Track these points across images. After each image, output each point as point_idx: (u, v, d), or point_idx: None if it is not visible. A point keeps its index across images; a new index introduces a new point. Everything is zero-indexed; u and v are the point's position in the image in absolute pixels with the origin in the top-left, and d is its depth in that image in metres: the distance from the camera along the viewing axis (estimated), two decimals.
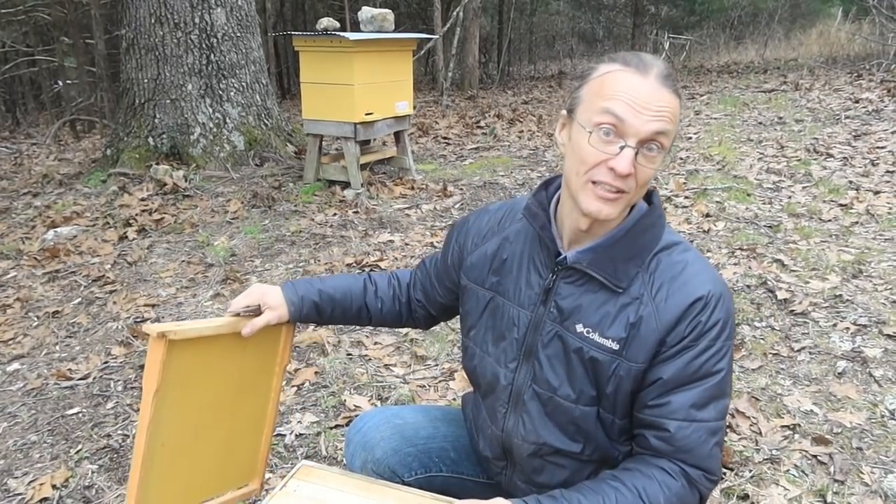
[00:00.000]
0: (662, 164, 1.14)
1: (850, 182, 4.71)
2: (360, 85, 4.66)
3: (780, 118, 7.03)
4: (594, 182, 1.05)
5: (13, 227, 4.65)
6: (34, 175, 6.16)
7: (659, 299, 1.09)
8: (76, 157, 7.17)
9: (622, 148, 1.01)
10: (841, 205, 4.29)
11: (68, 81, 10.97)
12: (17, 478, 2.21)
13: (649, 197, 1.17)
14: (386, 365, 2.78)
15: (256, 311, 1.32)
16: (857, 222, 3.99)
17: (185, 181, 5.09)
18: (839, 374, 2.52)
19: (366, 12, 4.95)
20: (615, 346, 1.10)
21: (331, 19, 4.75)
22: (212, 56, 5.43)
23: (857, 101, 7.44)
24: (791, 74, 10.12)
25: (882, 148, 5.48)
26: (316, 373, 2.73)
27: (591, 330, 1.12)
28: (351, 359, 2.83)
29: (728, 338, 1.10)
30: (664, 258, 1.12)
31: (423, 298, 1.45)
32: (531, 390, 1.19)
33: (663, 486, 1.06)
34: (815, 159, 5.37)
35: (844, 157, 5.35)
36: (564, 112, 1.13)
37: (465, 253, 1.33)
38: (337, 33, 4.58)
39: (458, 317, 1.41)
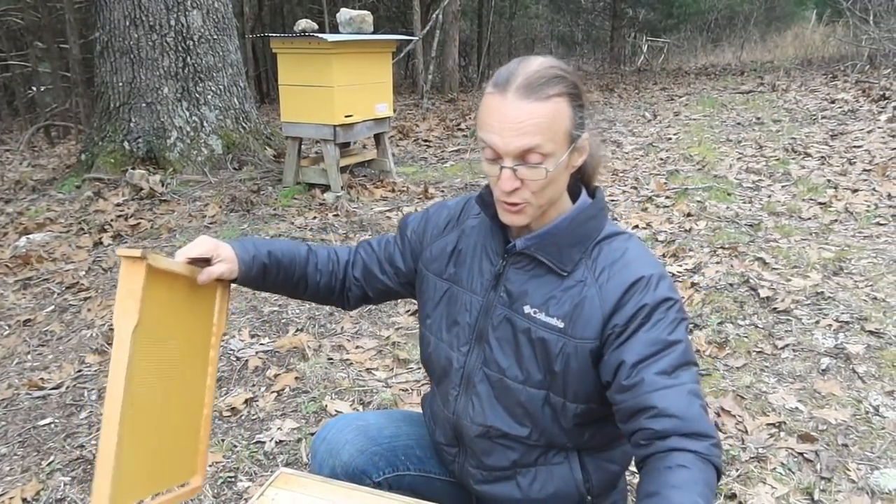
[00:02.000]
0: (579, 152, 1.15)
1: (829, 181, 4.74)
2: (339, 87, 4.61)
3: (759, 119, 7.09)
4: (500, 199, 1.14)
5: None
6: (6, 181, 6.04)
7: (601, 280, 1.15)
8: (50, 163, 7.05)
9: (501, 169, 1.09)
10: (820, 203, 4.31)
11: (43, 88, 10.80)
12: None
13: (594, 193, 1.25)
14: (368, 369, 2.74)
15: (207, 263, 1.23)
16: (836, 220, 4.01)
17: (162, 185, 5.01)
18: (823, 371, 2.51)
19: (344, 14, 4.91)
20: (560, 325, 1.16)
21: (309, 21, 4.70)
22: (188, 59, 5.36)
23: (832, 102, 7.52)
24: (768, 76, 10.23)
25: (859, 147, 5.53)
26: (296, 378, 2.68)
27: (537, 310, 1.18)
28: (332, 363, 2.78)
29: (678, 311, 1.13)
30: (605, 246, 1.18)
31: (363, 279, 1.44)
32: (481, 372, 1.24)
33: (692, 486, 1.00)
34: (793, 159, 5.40)
35: (822, 157, 5.39)
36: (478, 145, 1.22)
37: (425, 244, 1.37)
38: (315, 35, 4.54)
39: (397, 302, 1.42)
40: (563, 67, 1.13)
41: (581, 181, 1.25)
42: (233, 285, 1.33)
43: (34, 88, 11.05)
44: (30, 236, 4.31)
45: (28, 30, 10.39)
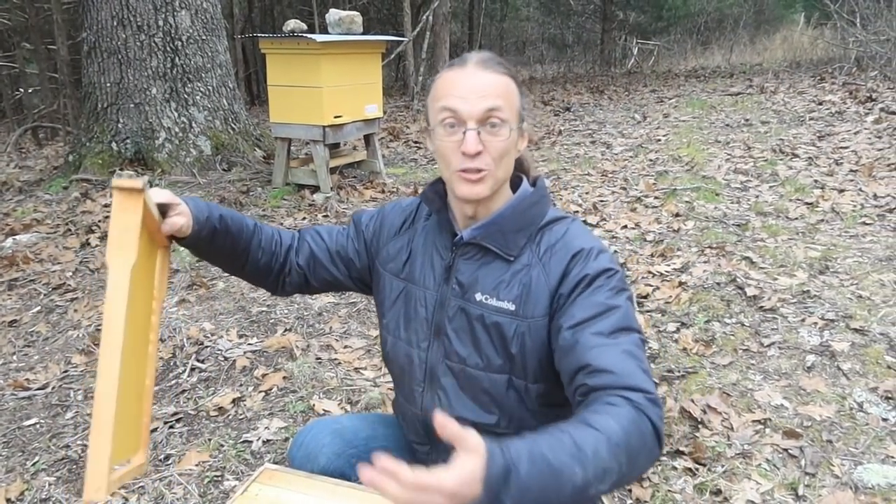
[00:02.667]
0: (523, 138, 1.23)
1: (816, 181, 4.77)
2: (328, 87, 4.61)
3: (747, 120, 7.13)
4: (460, 170, 1.15)
5: None
6: None
7: (545, 259, 1.19)
8: (38, 165, 7.01)
9: (465, 132, 1.13)
10: (807, 203, 4.34)
11: (31, 90, 10.74)
12: None
13: (535, 182, 1.28)
14: (356, 368, 2.74)
15: (163, 215, 1.12)
16: (822, 220, 4.03)
17: (150, 186, 4.98)
18: (808, 368, 2.53)
19: (333, 14, 4.91)
20: (511, 307, 1.18)
21: (298, 21, 4.70)
22: (177, 59, 5.34)
23: (820, 104, 7.57)
24: (757, 78, 10.29)
25: (845, 148, 5.57)
26: (284, 378, 2.67)
27: (488, 296, 1.20)
28: (320, 363, 2.78)
29: (619, 281, 1.15)
30: (548, 231, 1.22)
31: (307, 267, 1.40)
32: (444, 365, 1.26)
33: (612, 416, 0.97)
34: (781, 159, 5.44)
35: (809, 157, 5.43)
36: (425, 125, 1.24)
37: (381, 244, 1.38)
38: (304, 35, 4.53)
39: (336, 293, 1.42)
40: (506, 62, 1.23)
41: (521, 172, 1.29)
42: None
43: (21, 90, 10.98)
44: (16, 237, 4.29)
45: (15, 30, 10.33)
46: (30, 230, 4.43)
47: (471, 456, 0.83)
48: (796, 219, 4.10)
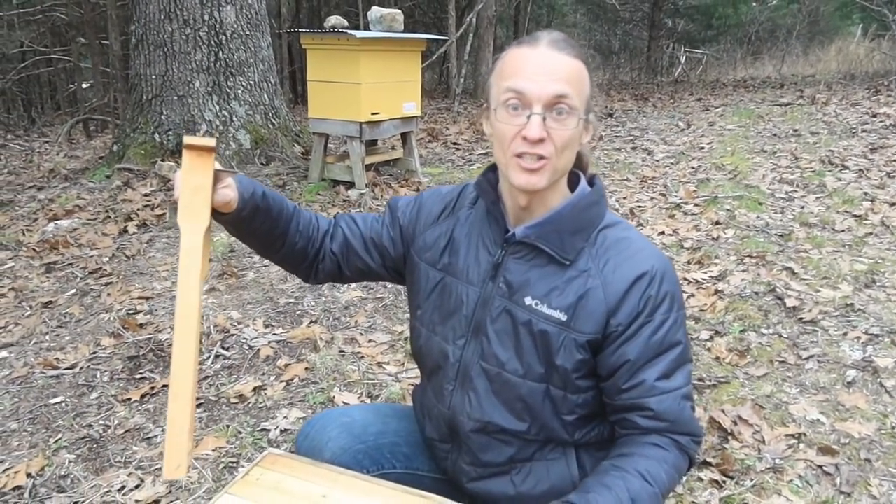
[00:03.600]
0: (593, 131, 1.16)
1: (866, 193, 4.59)
2: (366, 84, 4.61)
3: (796, 130, 6.92)
4: (518, 156, 1.08)
5: (15, 219, 4.63)
6: (42, 170, 6.16)
7: (606, 272, 1.12)
8: (85, 155, 7.18)
9: (529, 116, 1.06)
10: (855, 215, 4.17)
11: (85, 84, 11.04)
12: None
13: (592, 180, 1.21)
14: (379, 363, 2.71)
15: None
16: (871, 233, 3.87)
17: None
18: (848, 383, 2.41)
19: (375, 12, 4.91)
20: (563, 317, 1.12)
21: (339, 18, 4.72)
22: (220, 53, 5.42)
23: (874, 116, 7.30)
24: (808, 89, 10.00)
25: None
26: (306, 369, 2.66)
27: (539, 302, 1.14)
28: (343, 356, 2.76)
29: (679, 309, 1.14)
30: (609, 234, 1.15)
31: (341, 255, 1.35)
32: (479, 367, 1.20)
33: (661, 462, 1.10)
34: (829, 171, 5.25)
35: (860, 170, 5.23)
36: (484, 105, 1.17)
37: (417, 232, 1.31)
38: (344, 31, 4.54)
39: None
40: (580, 47, 1.15)
41: (578, 169, 1.21)
42: None
43: (75, 83, 11.30)
44: (58, 222, 4.38)
45: (71, 25, 10.64)
46: (71, 216, 4.53)
47: None
48: (843, 231, 3.94)
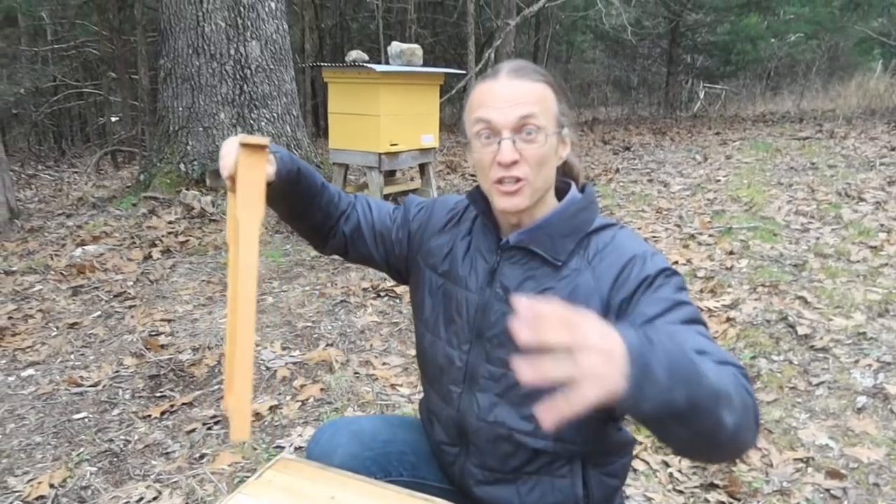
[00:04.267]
0: (564, 144, 1.21)
1: (882, 225, 4.59)
2: (385, 116, 4.74)
3: (813, 164, 6.94)
4: (498, 182, 1.14)
5: (45, 244, 4.78)
6: (70, 199, 6.35)
7: (595, 263, 1.16)
8: (113, 184, 7.38)
9: (499, 142, 1.12)
10: (871, 246, 4.18)
11: (114, 118, 11.38)
12: (17, 476, 2.22)
13: (583, 188, 1.26)
14: (392, 385, 2.76)
15: None
16: (886, 264, 3.87)
17: (213, 206, 5.19)
18: (859, 409, 2.42)
19: (395, 47, 5.06)
20: None
21: (360, 52, 4.87)
22: (245, 87, 5.59)
23: (893, 149, 7.31)
24: (827, 124, 10.02)
25: None
26: (321, 389, 2.71)
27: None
28: (358, 377, 2.81)
29: (679, 280, 1.12)
30: (596, 237, 1.20)
31: (350, 237, 1.41)
32: (485, 369, 1.23)
33: (719, 367, 0.92)
34: (846, 203, 5.26)
35: (877, 202, 5.23)
36: (463, 141, 1.24)
37: (425, 238, 1.36)
38: (365, 65, 4.69)
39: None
40: (543, 69, 1.21)
41: (569, 179, 1.28)
42: None
43: (105, 116, 11.65)
44: (85, 247, 4.52)
45: (103, 60, 11.01)
46: (98, 242, 4.67)
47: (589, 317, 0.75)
48: (858, 262, 3.94)
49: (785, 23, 14.60)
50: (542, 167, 1.15)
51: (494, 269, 1.24)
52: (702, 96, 14.89)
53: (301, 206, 1.34)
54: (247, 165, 1.05)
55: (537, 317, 0.73)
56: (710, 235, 4.56)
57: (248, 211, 1.03)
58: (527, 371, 0.75)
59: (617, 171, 7.28)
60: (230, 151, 1.12)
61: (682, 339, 0.96)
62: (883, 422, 2.34)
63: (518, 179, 1.13)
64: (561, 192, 1.26)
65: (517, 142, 1.12)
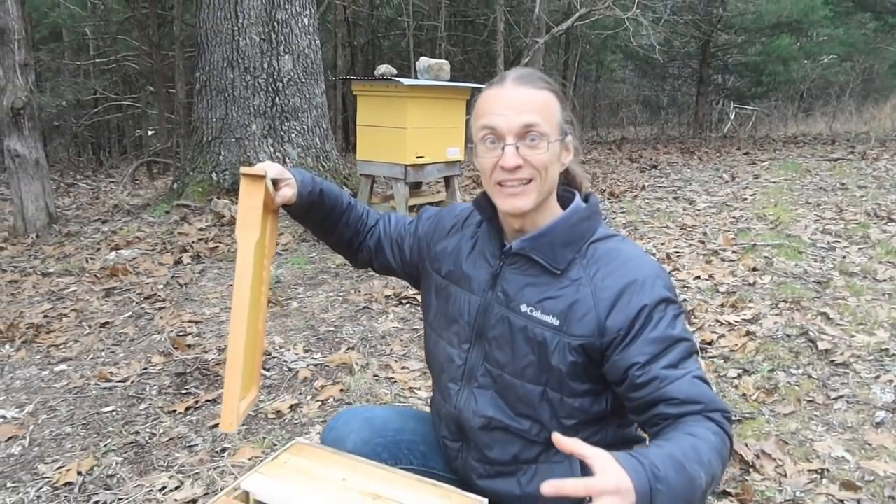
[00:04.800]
0: (567, 151, 1.27)
1: None
2: (412, 128, 4.82)
3: (843, 184, 6.87)
4: (499, 184, 1.20)
5: (80, 248, 4.94)
6: (106, 206, 6.55)
7: (596, 280, 1.20)
8: (147, 194, 7.58)
9: (503, 148, 1.18)
10: None
11: (151, 131, 11.70)
12: (47, 463, 2.31)
13: (587, 198, 1.31)
14: (410, 388, 2.80)
15: (275, 185, 1.31)
16: None
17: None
18: (877, 423, 2.40)
19: (423, 62, 5.16)
20: (556, 322, 1.21)
21: (388, 66, 4.97)
22: (277, 99, 5.74)
23: None
24: (860, 146, 9.90)
25: None
26: (341, 390, 2.77)
27: (533, 308, 1.23)
28: (377, 380, 2.87)
29: (675, 308, 1.19)
30: (601, 246, 1.24)
31: (374, 250, 1.52)
32: (483, 368, 1.30)
33: (707, 429, 1.09)
34: (874, 223, 5.20)
35: None
36: (470, 145, 1.30)
37: (432, 243, 1.44)
38: (393, 78, 4.79)
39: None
40: (548, 77, 1.26)
41: (573, 188, 1.32)
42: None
43: (142, 129, 11.98)
44: (119, 251, 4.66)
45: (142, 74, 11.33)
46: (131, 246, 4.81)
47: (607, 462, 0.92)
48: (884, 281, 3.90)
49: (818, 44, 14.47)
50: (546, 171, 1.20)
51: (497, 273, 1.29)
52: (732, 117, 14.80)
53: (328, 223, 1.47)
54: (247, 192, 1.16)
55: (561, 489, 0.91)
56: (734, 252, 4.54)
57: (245, 232, 1.16)
58: (550, 490, 0.91)
59: (643, 188, 7.28)
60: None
61: (687, 444, 1.03)
62: None
63: (528, 181, 1.19)
64: (565, 201, 1.30)
65: (521, 148, 1.17)
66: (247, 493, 1.28)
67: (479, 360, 1.31)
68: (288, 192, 1.31)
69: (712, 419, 1.10)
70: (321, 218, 1.44)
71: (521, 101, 1.18)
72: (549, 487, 0.91)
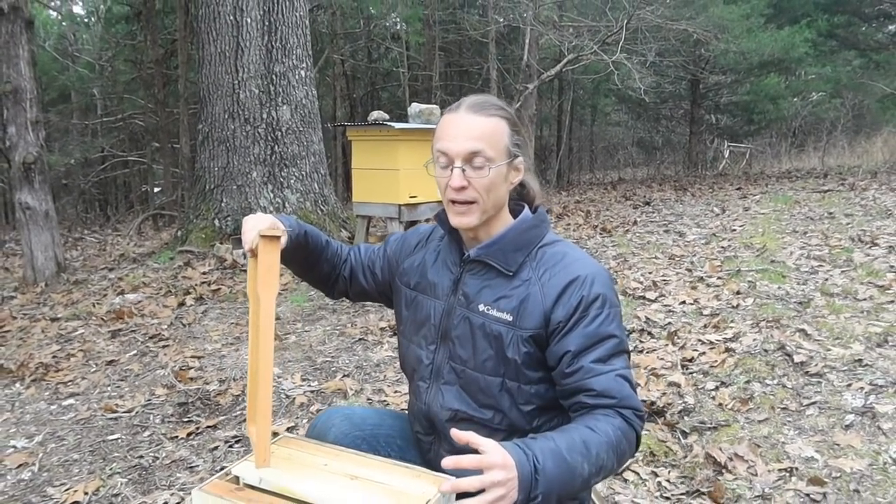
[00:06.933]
0: (517, 171, 1.42)
1: (892, 266, 4.66)
2: (404, 170, 5.03)
3: (831, 213, 7.03)
4: (451, 202, 1.36)
5: (88, 294, 5.11)
6: (113, 256, 6.74)
7: (544, 280, 1.35)
8: (153, 244, 7.79)
9: (451, 170, 1.32)
10: (878, 286, 4.25)
11: (156, 188, 12.00)
12: (55, 486, 2.43)
13: (537, 209, 1.47)
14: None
15: None
16: (893, 301, 3.95)
17: (244, 258, 5.49)
18: (846, 426, 2.51)
19: (415, 107, 5.41)
20: (509, 318, 1.36)
21: (381, 112, 5.21)
22: (276, 147, 5.99)
23: None
24: (851, 178, 10.10)
25: None
26: None
27: (490, 307, 1.38)
28: (370, 403, 2.99)
29: (612, 307, 1.34)
30: (548, 250, 1.40)
31: (349, 278, 1.66)
32: (448, 366, 1.44)
33: (609, 425, 1.26)
34: (858, 247, 5.34)
35: (890, 246, 5.30)
36: (430, 164, 1.46)
37: (400, 261, 1.60)
38: (385, 123, 5.02)
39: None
40: (502, 104, 1.42)
41: (525, 203, 1.49)
42: None
43: (148, 184, 12.29)
44: (125, 296, 4.83)
45: (147, 131, 11.69)
46: (137, 291, 4.98)
47: (496, 446, 1.13)
48: (864, 300, 4.03)
49: (805, 82, 14.84)
50: (490, 192, 1.34)
51: (458, 279, 1.45)
52: (727, 155, 15.07)
53: (310, 261, 1.61)
54: (265, 252, 1.30)
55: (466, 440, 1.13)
56: (719, 278, 4.68)
57: (266, 291, 1.29)
58: (450, 463, 1.12)
59: (635, 223, 7.45)
60: (251, 228, 1.38)
61: (579, 435, 1.22)
62: (869, 437, 2.42)
63: (469, 202, 1.34)
64: (517, 213, 1.46)
65: (467, 170, 1.32)
66: (237, 478, 1.41)
67: (444, 359, 1.45)
68: (283, 240, 1.42)
69: (622, 415, 1.27)
70: (304, 257, 1.56)
71: (470, 128, 1.32)
72: (450, 461, 1.10)
